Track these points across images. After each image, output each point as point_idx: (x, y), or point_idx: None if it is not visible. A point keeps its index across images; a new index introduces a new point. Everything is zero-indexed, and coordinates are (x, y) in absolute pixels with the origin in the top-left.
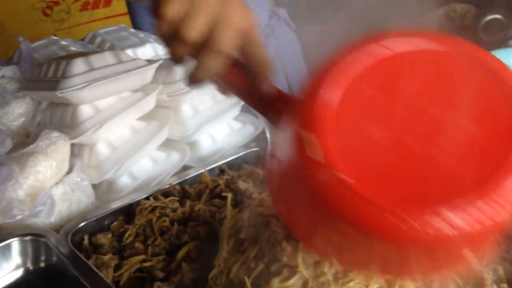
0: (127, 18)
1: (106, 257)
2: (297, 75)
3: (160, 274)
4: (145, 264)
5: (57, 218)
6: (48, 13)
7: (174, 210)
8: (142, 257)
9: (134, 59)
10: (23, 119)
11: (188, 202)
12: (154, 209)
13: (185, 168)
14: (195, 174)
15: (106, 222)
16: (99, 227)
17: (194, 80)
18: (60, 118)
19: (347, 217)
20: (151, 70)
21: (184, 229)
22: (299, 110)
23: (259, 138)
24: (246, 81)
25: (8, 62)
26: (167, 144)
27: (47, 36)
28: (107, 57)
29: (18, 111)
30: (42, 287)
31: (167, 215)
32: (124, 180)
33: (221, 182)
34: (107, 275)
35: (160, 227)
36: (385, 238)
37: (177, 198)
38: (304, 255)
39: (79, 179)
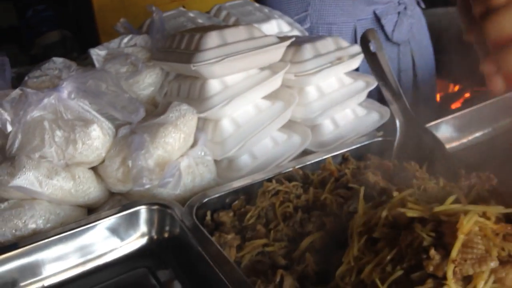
0: None
1: (229, 237)
2: (423, 56)
3: (282, 261)
4: (267, 249)
5: (181, 190)
6: None
7: (298, 197)
8: (264, 241)
9: (266, 36)
10: (152, 88)
11: (311, 189)
12: (277, 192)
13: (304, 152)
14: (317, 160)
15: (227, 200)
16: (220, 204)
17: None
18: (188, 91)
19: None
20: (282, 48)
21: (308, 217)
22: None
23: (384, 128)
24: None
25: (138, 31)
26: (288, 125)
27: (161, 6)
28: (241, 32)
29: (148, 81)
30: (165, 257)
31: (290, 201)
32: (244, 159)
33: (347, 171)
34: (230, 255)
35: (283, 213)
36: None
37: (301, 184)
38: (455, 267)
39: (202, 153)
